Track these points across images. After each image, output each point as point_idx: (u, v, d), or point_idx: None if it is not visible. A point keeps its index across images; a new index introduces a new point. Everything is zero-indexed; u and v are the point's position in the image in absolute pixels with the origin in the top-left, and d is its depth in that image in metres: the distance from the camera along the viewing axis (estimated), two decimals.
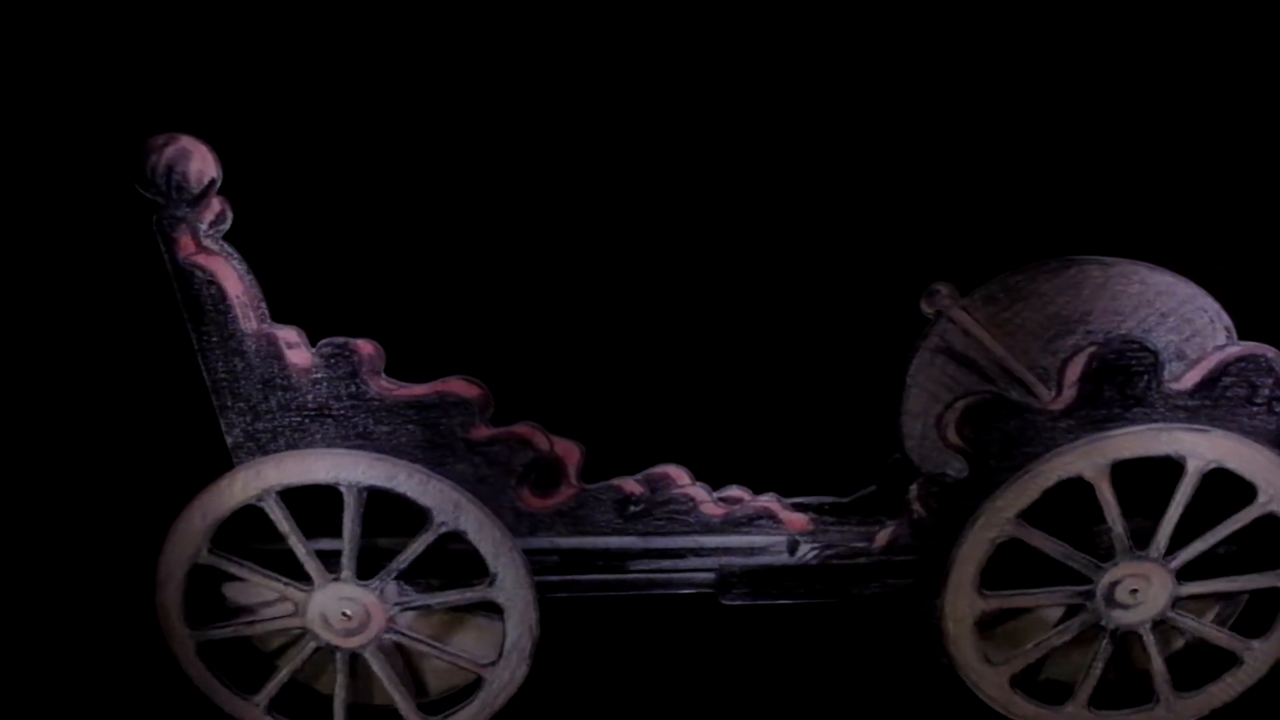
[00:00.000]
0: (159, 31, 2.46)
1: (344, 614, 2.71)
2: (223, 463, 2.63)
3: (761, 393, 2.99)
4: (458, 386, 2.63)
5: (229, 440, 2.67)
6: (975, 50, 2.77)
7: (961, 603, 2.64)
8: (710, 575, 2.74)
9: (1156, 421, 2.54)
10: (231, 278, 2.56)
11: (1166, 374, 2.52)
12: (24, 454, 2.74)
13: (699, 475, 2.67)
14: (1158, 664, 2.68)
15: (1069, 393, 2.58)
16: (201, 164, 2.50)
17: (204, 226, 2.54)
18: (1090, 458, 2.55)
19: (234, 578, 2.73)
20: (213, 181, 2.51)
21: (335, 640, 2.72)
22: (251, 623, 2.73)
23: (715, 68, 2.68)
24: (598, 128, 2.75)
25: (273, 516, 2.62)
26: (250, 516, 2.58)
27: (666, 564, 2.74)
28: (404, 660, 2.81)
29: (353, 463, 2.58)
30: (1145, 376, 2.52)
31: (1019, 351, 2.70)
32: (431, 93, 2.68)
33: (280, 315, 2.57)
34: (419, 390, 2.63)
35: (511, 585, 2.66)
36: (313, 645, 2.71)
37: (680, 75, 2.69)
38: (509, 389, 2.62)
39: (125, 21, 2.44)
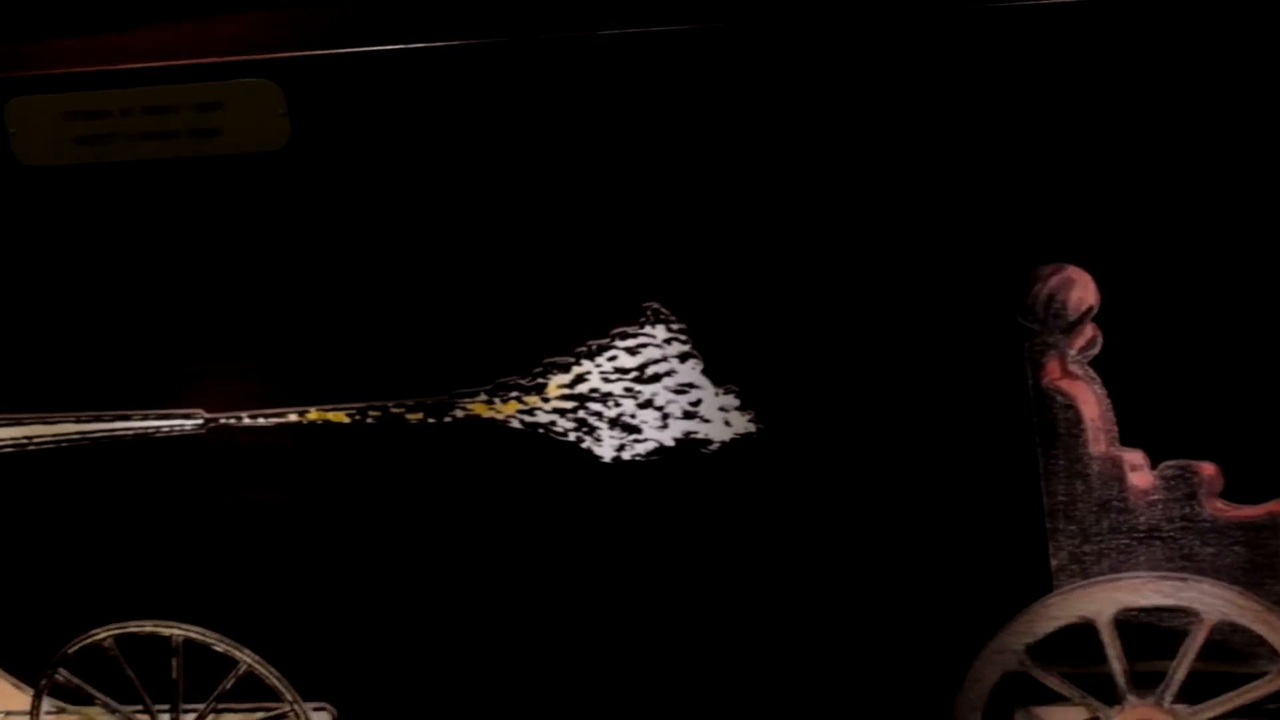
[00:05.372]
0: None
1: None
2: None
3: None
4: None
5: (1054, 562, 2.72)
6: None
7: None
8: None
9: None
10: (1090, 402, 2.63)
11: None
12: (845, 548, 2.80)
13: None
14: None
15: None
16: (1082, 292, 2.58)
17: (1072, 352, 2.61)
18: None
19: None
20: (1090, 309, 2.58)
21: None
22: None
23: None
24: None
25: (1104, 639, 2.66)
26: None
27: None
28: None
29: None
30: None
31: None
32: None
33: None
34: (1252, 511, 2.67)
35: None
36: None
37: None
38: None
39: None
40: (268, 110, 2.49)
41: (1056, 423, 2.63)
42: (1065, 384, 2.61)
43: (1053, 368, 2.61)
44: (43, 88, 2.53)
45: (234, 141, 2.52)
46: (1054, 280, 2.58)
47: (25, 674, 3.10)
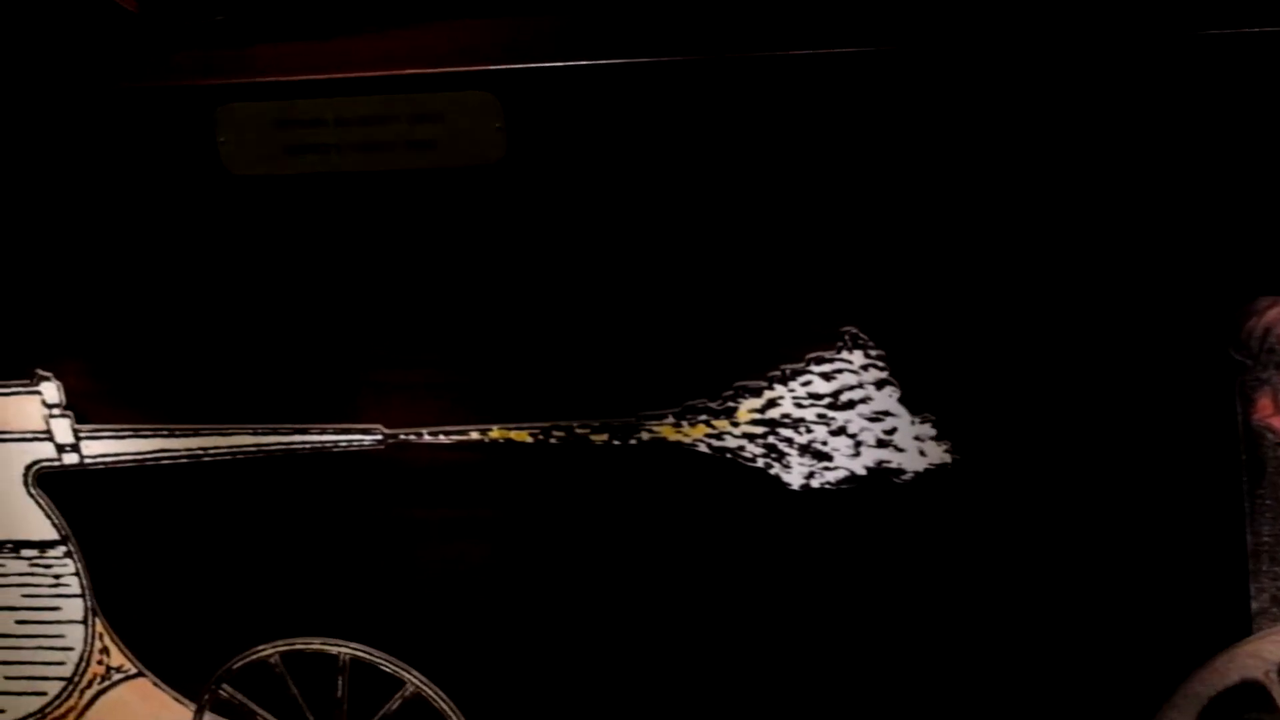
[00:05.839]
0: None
1: None
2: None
3: None
4: None
5: (1254, 605, 2.64)
6: None
7: None
8: None
9: None
10: None
11: None
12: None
13: None
14: None
15: None
16: None
17: None
18: None
19: None
20: None
21: None
22: None
23: None
24: None
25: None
26: None
27: None
28: None
29: None
30: None
31: None
32: None
33: None
34: None
35: None
36: None
37: None
38: None
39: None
40: (485, 123, 2.46)
41: (1265, 461, 2.56)
42: (1277, 421, 2.54)
43: (1264, 404, 2.54)
44: (255, 95, 2.50)
45: (449, 155, 2.48)
46: (1271, 314, 2.51)
47: (187, 688, 3.06)
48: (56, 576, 3.00)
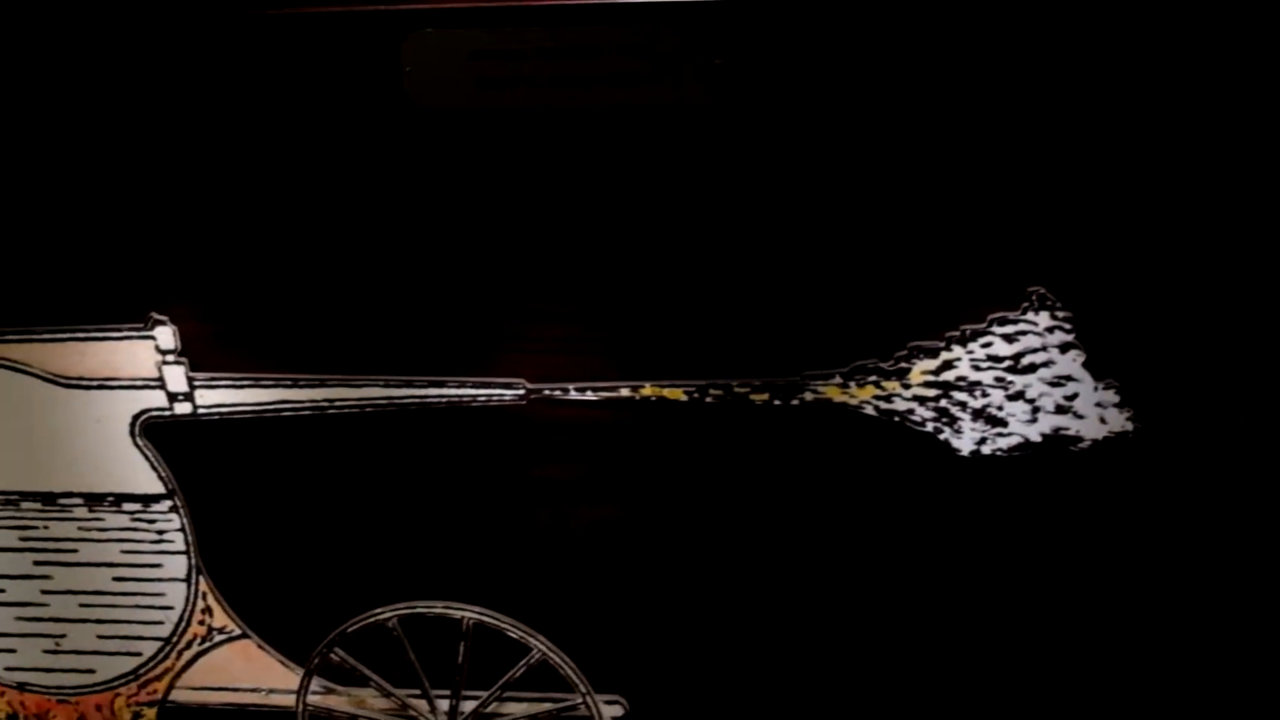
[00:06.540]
0: None
1: None
2: None
3: None
4: None
5: None
6: None
7: None
8: None
9: None
10: None
11: None
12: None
13: None
14: None
15: None
16: None
17: None
18: None
19: None
20: None
21: None
22: None
23: None
24: None
25: None
26: None
27: None
28: None
29: None
30: None
31: None
32: None
33: None
34: None
35: None
36: None
37: None
38: None
39: None
40: (701, 59, 2.29)
41: None
42: None
43: None
44: (448, 22, 2.32)
45: (659, 91, 2.31)
46: None
47: (293, 651, 2.90)
48: (160, 532, 2.83)
